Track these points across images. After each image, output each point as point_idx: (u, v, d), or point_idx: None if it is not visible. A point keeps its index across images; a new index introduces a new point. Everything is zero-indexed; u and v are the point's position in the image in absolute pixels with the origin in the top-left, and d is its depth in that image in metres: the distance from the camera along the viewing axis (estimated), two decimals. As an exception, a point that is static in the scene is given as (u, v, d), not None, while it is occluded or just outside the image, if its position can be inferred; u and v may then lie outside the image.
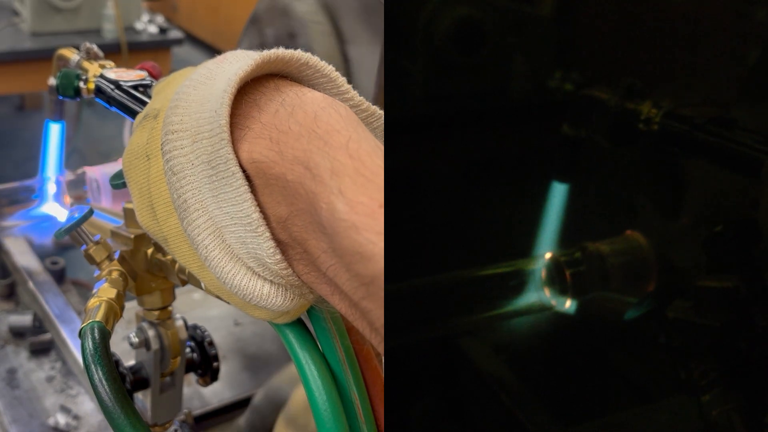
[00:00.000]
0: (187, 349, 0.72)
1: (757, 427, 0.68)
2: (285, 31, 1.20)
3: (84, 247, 0.57)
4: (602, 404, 0.83)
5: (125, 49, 2.48)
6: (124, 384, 0.54)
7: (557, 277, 0.77)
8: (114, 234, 0.62)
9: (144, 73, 0.58)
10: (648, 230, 0.78)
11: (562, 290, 0.77)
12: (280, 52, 0.38)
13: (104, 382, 0.42)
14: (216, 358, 0.72)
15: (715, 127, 0.68)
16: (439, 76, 0.83)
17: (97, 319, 0.48)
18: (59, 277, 1.20)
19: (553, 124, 0.83)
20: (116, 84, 0.57)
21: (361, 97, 0.40)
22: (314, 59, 0.39)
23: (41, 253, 1.22)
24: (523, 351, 0.85)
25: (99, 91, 0.58)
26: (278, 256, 0.36)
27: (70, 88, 0.63)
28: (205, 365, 0.72)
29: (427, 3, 0.80)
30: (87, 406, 0.98)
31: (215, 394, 1.04)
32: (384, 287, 0.31)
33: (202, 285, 0.45)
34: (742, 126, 0.68)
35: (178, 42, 2.68)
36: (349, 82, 0.40)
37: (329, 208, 0.32)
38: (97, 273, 0.57)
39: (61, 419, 0.94)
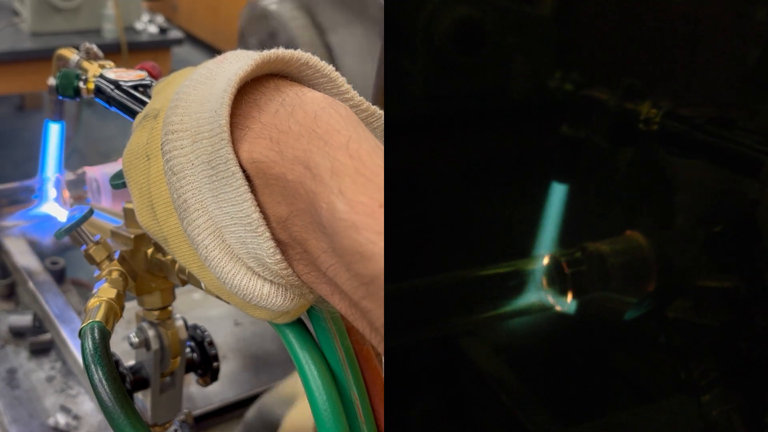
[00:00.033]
0: (187, 349, 0.72)
1: (757, 427, 0.68)
2: (266, 33, 1.22)
3: (84, 247, 0.57)
4: (602, 404, 0.83)
5: (125, 49, 2.48)
6: (124, 384, 0.54)
7: (557, 277, 0.77)
8: (114, 234, 0.62)
9: (144, 73, 0.58)
10: (648, 230, 0.78)
11: (563, 290, 0.77)
12: (280, 52, 0.38)
13: (104, 382, 0.42)
14: (216, 358, 0.72)
15: (714, 127, 0.68)
16: (439, 76, 0.83)
17: (97, 319, 0.48)
18: (59, 277, 1.20)
19: (553, 124, 0.83)
20: (116, 84, 0.57)
21: (361, 98, 0.40)
22: (314, 59, 0.39)
23: (41, 253, 1.22)
24: (523, 351, 0.85)
25: (99, 91, 0.58)
26: (278, 256, 0.36)
27: (69, 88, 0.63)
28: (205, 365, 0.72)
29: (427, 3, 0.80)
30: (87, 406, 0.98)
31: (215, 394, 1.04)
32: (384, 287, 0.31)
33: (202, 285, 0.45)
34: (742, 126, 0.68)
35: (178, 42, 2.68)
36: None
37: (329, 207, 0.32)
38: (97, 273, 0.57)
39: (61, 419, 0.94)
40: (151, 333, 0.67)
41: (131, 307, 0.70)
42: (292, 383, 0.97)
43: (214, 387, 0.93)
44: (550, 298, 0.79)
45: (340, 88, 0.39)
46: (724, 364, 0.71)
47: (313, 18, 1.19)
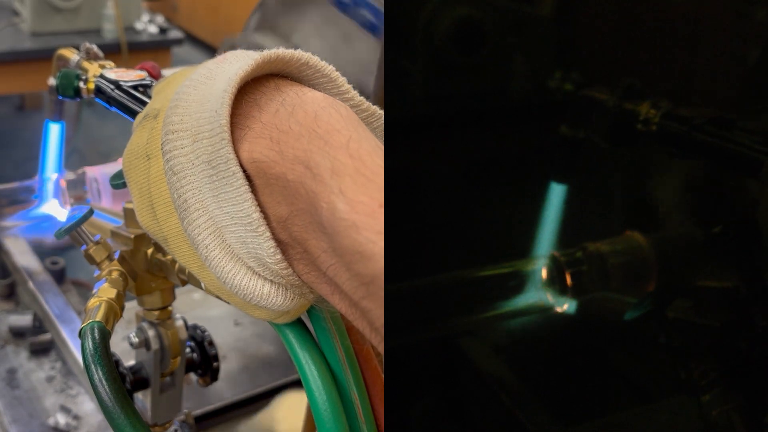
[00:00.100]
0: (187, 349, 0.72)
1: (757, 427, 0.68)
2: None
3: (84, 247, 0.57)
4: (602, 404, 0.83)
5: (125, 49, 2.48)
6: (124, 384, 0.54)
7: (557, 277, 0.77)
8: (114, 234, 0.62)
9: (144, 73, 0.58)
10: (647, 230, 0.78)
11: (563, 290, 0.77)
12: (281, 51, 0.38)
13: (104, 382, 0.42)
14: (216, 358, 0.72)
15: (714, 127, 0.68)
16: (439, 76, 0.83)
17: (97, 319, 0.48)
18: (59, 277, 1.20)
19: (553, 124, 0.83)
20: (116, 84, 0.57)
21: (361, 98, 0.40)
22: (314, 59, 0.39)
23: (41, 253, 1.22)
24: (523, 351, 0.85)
25: (99, 91, 0.58)
26: (278, 256, 0.36)
27: (70, 88, 0.63)
28: (205, 365, 0.72)
29: (427, 3, 0.80)
30: (87, 406, 0.98)
31: (215, 394, 1.04)
32: (384, 287, 0.32)
33: (202, 285, 0.45)
34: (742, 126, 0.68)
35: (178, 42, 2.68)
36: None
37: (329, 207, 0.32)
38: (97, 273, 0.57)
39: (61, 419, 0.94)
40: (151, 333, 0.67)
41: (131, 307, 0.70)
42: (269, 416, 0.98)
43: (214, 387, 0.93)
44: (550, 298, 0.79)
45: (340, 88, 0.39)
46: (724, 364, 0.71)
47: (274, 29, 1.21)
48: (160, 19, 2.69)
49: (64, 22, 2.47)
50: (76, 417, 0.95)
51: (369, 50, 1.12)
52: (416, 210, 0.82)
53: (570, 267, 0.76)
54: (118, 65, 0.63)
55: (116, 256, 0.59)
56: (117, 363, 0.65)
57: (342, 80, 0.39)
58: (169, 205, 0.39)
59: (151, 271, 0.62)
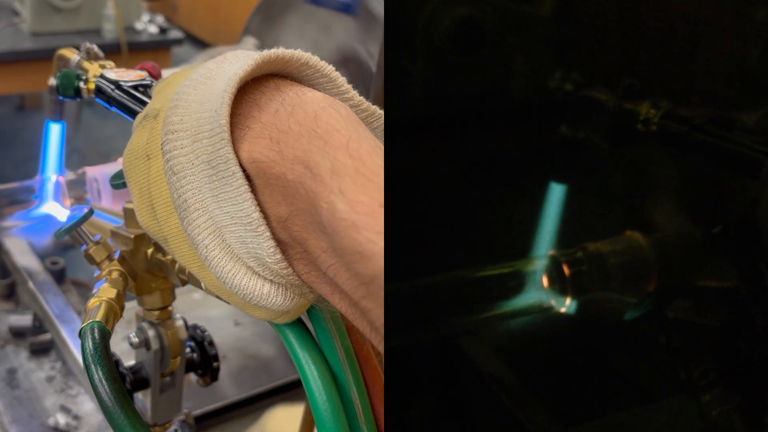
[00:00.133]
0: (187, 349, 0.72)
1: (757, 427, 0.68)
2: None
3: (84, 247, 0.57)
4: (602, 404, 0.83)
5: (125, 49, 2.48)
6: (124, 384, 0.54)
7: (557, 277, 0.77)
8: (114, 234, 0.62)
9: (144, 73, 0.58)
10: (647, 230, 0.78)
11: (563, 290, 0.77)
12: (280, 51, 0.38)
13: (104, 382, 0.42)
14: (216, 358, 0.72)
15: (714, 127, 0.68)
16: (439, 76, 0.83)
17: (97, 319, 0.48)
18: (59, 277, 1.20)
19: (553, 124, 0.83)
20: (116, 84, 0.57)
21: (361, 97, 0.40)
22: (314, 59, 0.39)
23: (41, 253, 1.22)
24: (523, 351, 0.85)
25: (99, 91, 0.58)
26: (278, 256, 0.36)
27: (70, 88, 0.63)
28: (205, 365, 0.72)
29: (427, 3, 0.80)
30: (87, 406, 0.98)
31: (215, 394, 1.04)
32: (384, 287, 0.32)
33: (202, 285, 0.45)
34: (742, 126, 0.68)
35: (178, 42, 2.68)
36: None
37: (329, 207, 0.32)
38: (97, 273, 0.57)
39: (61, 419, 0.94)
40: (151, 333, 0.67)
41: (131, 307, 0.70)
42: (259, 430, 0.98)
43: (214, 387, 0.93)
44: (550, 298, 0.79)
45: (340, 88, 0.39)
46: (724, 364, 0.71)
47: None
48: (160, 19, 2.69)
49: (64, 22, 2.47)
50: (76, 417, 0.95)
51: (348, 32, 1.12)
52: (416, 210, 0.82)
53: (570, 267, 0.76)
54: (118, 65, 0.63)
55: (116, 256, 0.59)
56: (117, 363, 0.65)
57: (342, 80, 0.39)
58: (169, 205, 0.39)
59: (151, 271, 0.62)
